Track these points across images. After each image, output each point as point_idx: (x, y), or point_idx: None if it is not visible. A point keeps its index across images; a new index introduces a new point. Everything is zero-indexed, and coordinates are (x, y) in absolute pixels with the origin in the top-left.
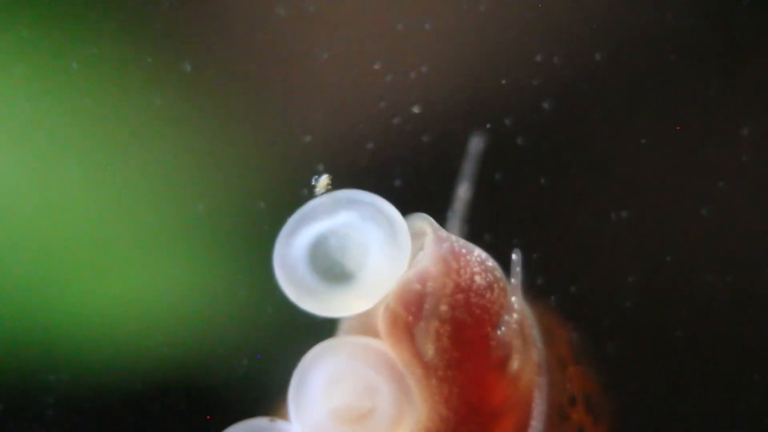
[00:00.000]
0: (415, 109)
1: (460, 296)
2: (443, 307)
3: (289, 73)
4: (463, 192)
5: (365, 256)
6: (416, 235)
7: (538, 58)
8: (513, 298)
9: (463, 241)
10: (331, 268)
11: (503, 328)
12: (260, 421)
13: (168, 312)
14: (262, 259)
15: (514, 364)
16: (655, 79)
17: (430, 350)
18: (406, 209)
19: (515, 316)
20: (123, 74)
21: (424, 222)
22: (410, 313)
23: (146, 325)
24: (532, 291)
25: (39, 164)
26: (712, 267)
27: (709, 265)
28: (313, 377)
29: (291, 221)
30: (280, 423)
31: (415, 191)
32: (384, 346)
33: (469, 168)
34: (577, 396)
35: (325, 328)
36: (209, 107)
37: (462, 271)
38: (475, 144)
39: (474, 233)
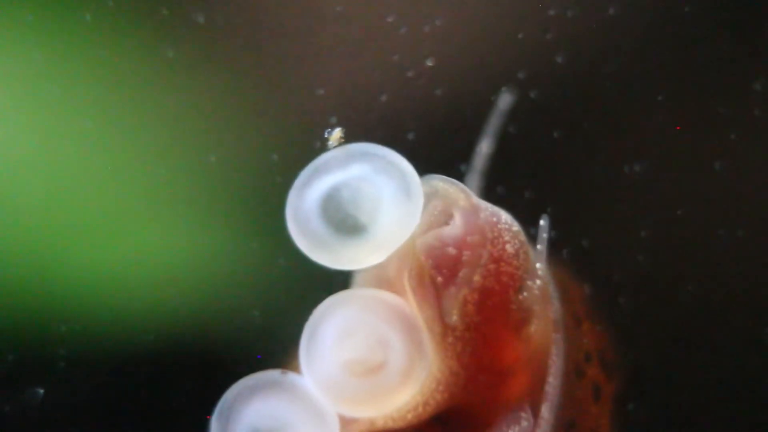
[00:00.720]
0: (429, 63)
1: (492, 266)
2: (476, 278)
3: (302, 26)
4: (485, 147)
5: (378, 208)
6: (436, 195)
7: (552, 12)
8: (538, 264)
9: (492, 208)
10: (343, 221)
11: (525, 294)
12: (272, 374)
13: (180, 264)
14: (274, 212)
15: (531, 327)
16: (668, 33)
17: (455, 315)
18: (418, 163)
19: (538, 282)
20: (136, 26)
21: (455, 187)
22: (442, 275)
23: (158, 277)
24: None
25: (52, 117)
26: (725, 221)
27: (721, 219)
28: (325, 330)
29: (304, 174)
30: (291, 376)
31: (428, 144)
32: (397, 299)
33: (493, 123)
34: (591, 353)
35: (337, 281)
36: (222, 59)
37: (496, 241)
38: (504, 100)
39: (487, 186)
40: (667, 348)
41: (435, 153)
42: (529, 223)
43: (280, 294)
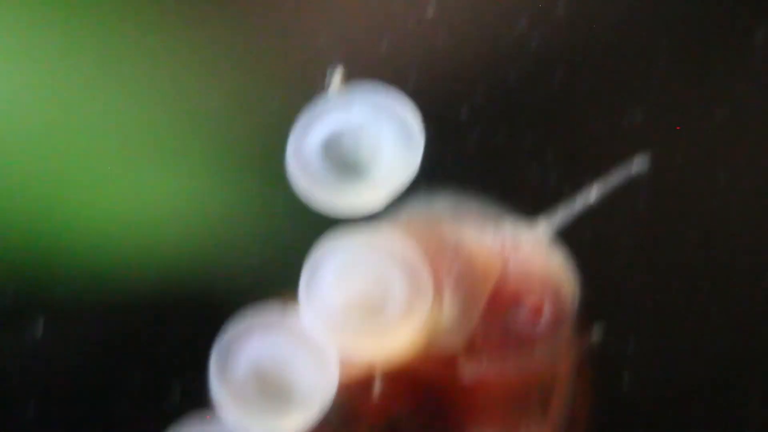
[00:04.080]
0: (430, 12)
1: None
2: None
3: None
4: None
5: (378, 152)
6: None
7: None
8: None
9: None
10: (344, 164)
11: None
12: (272, 312)
13: (180, 204)
14: (275, 154)
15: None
16: None
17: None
18: (420, 108)
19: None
20: None
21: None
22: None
23: (158, 215)
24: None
25: (51, 59)
26: (726, 168)
27: (722, 166)
28: (326, 268)
29: (305, 116)
30: (291, 314)
31: (429, 91)
32: (398, 239)
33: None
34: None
35: (337, 222)
36: (223, 1)
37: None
38: None
39: (487, 134)
40: (665, 285)
41: (435, 99)
42: (528, 169)
43: (281, 235)
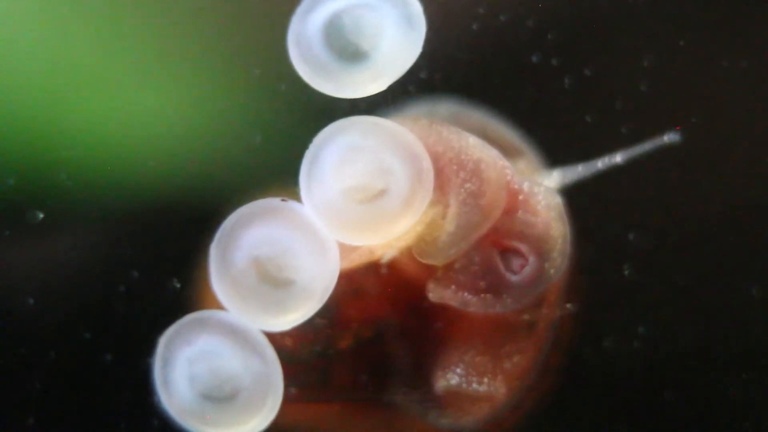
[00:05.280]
0: None
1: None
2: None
3: None
4: None
5: (380, 36)
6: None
7: None
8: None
9: None
10: (345, 47)
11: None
12: (271, 201)
13: (182, 91)
14: (276, 38)
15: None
16: None
17: None
18: None
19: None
20: None
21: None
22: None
23: (161, 99)
24: (546, 73)
25: None
26: (727, 52)
27: (726, 53)
28: (326, 156)
29: (306, 2)
30: (291, 202)
31: None
32: (399, 127)
33: None
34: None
35: (338, 107)
36: None
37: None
38: None
39: (487, 14)
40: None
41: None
42: (530, 51)
43: (282, 121)
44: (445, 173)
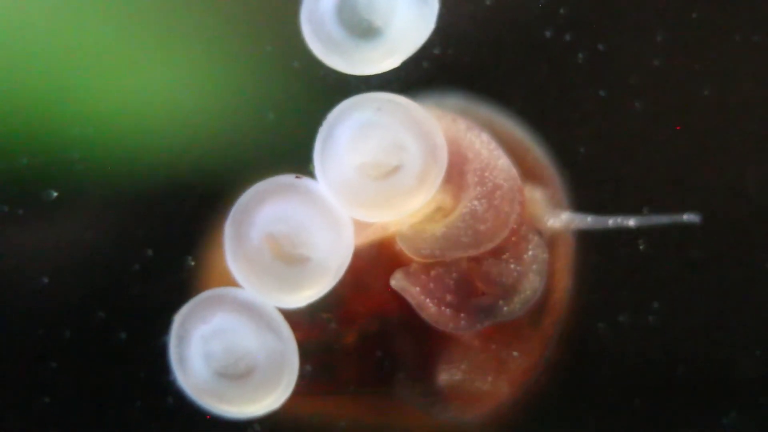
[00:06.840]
0: None
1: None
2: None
3: None
4: None
5: (393, 12)
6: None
7: None
8: None
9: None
10: (358, 24)
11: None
12: (286, 178)
13: (196, 66)
14: (289, 16)
15: None
16: None
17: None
18: None
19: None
20: None
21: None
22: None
23: (175, 74)
24: (559, 49)
25: None
26: (742, 28)
27: (739, 27)
28: (340, 133)
29: None
30: (306, 179)
31: None
32: (413, 103)
33: None
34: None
35: (352, 84)
36: None
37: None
38: None
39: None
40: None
41: None
42: (543, 27)
43: (295, 98)
44: (467, 179)
